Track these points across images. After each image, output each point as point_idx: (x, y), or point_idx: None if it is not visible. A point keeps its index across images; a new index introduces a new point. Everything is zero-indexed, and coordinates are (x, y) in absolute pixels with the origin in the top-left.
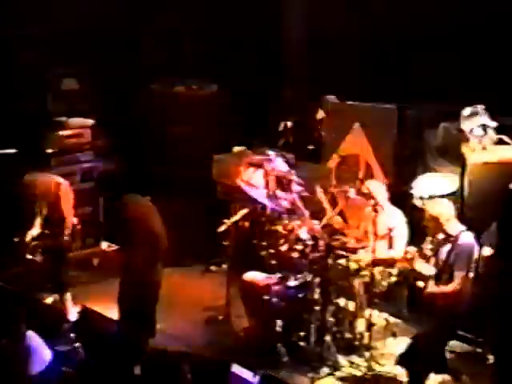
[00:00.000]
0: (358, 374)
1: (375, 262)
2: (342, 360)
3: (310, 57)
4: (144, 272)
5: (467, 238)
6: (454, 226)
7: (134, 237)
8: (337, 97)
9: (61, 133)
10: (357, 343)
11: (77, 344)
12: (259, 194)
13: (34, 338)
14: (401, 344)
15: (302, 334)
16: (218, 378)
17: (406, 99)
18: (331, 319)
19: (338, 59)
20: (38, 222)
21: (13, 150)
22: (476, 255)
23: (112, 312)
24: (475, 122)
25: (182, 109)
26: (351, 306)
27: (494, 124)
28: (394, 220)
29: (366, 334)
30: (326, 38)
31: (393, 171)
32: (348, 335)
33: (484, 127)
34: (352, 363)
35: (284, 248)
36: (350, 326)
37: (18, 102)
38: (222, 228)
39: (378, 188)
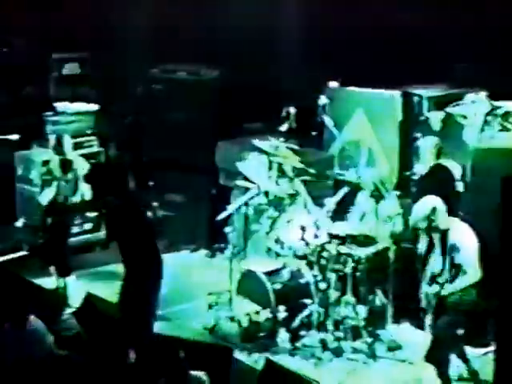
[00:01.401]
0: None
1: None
2: (345, 346)
3: (311, 42)
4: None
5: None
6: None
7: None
8: (340, 83)
9: (63, 118)
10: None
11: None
12: (261, 181)
13: (36, 323)
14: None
15: (304, 320)
16: (220, 364)
17: (409, 84)
18: (335, 307)
19: (340, 43)
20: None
21: (16, 136)
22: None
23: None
24: (478, 107)
25: (182, 94)
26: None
27: (498, 110)
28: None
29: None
30: (328, 24)
31: (396, 158)
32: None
33: (487, 113)
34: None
35: (286, 234)
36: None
37: (19, 88)
38: (224, 214)
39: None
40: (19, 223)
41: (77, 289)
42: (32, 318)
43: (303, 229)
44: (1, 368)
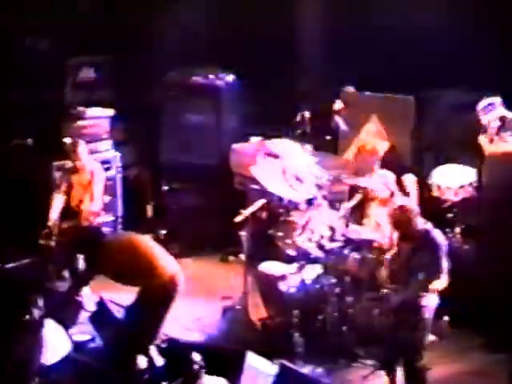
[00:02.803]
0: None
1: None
2: (360, 351)
3: (325, 44)
4: None
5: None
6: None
7: None
8: (354, 87)
9: (79, 123)
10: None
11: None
12: (275, 185)
13: (51, 328)
14: None
15: (318, 324)
16: (233, 367)
17: (423, 88)
18: (349, 310)
19: (354, 47)
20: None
21: (30, 140)
22: None
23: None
24: (493, 113)
25: (198, 98)
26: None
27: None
28: None
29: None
30: (342, 26)
31: (411, 162)
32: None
33: (502, 119)
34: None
35: (300, 238)
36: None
37: (35, 92)
38: (239, 218)
39: (391, 178)
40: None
41: (91, 293)
42: (46, 322)
43: (319, 232)
44: (19, 373)
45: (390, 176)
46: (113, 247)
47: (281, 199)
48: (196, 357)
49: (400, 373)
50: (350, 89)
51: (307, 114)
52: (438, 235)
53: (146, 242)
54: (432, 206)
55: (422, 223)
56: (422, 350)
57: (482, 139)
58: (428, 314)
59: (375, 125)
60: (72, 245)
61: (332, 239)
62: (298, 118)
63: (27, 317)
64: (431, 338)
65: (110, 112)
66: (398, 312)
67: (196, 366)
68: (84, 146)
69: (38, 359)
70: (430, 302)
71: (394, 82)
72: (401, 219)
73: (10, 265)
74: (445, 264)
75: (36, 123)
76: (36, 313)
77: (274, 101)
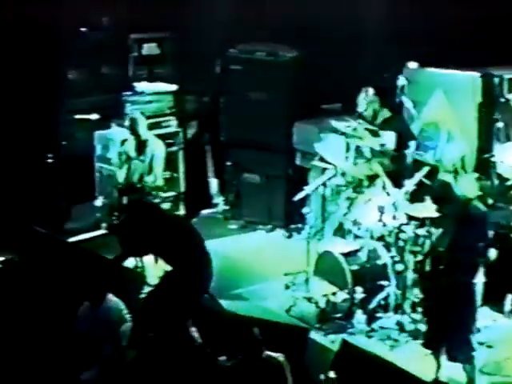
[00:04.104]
0: None
1: None
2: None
3: (389, 21)
4: None
5: None
6: None
7: None
8: (418, 63)
9: (142, 98)
10: None
11: None
12: (340, 161)
13: (114, 301)
14: None
15: (381, 302)
16: (296, 345)
17: (490, 65)
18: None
19: (419, 23)
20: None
21: (95, 116)
22: None
23: None
24: None
25: (261, 75)
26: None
27: None
28: None
29: None
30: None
31: (475, 139)
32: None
33: None
34: None
35: (363, 215)
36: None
37: (99, 67)
38: (301, 195)
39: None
40: (98, 202)
41: (154, 267)
42: (110, 296)
43: (381, 210)
44: (79, 346)
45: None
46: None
47: (344, 176)
48: (256, 333)
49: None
50: (414, 65)
51: (371, 91)
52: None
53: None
54: (495, 184)
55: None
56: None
57: None
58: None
59: (440, 101)
60: (132, 221)
61: (395, 216)
62: (362, 95)
63: (91, 290)
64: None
65: (173, 87)
66: (456, 288)
67: (256, 343)
68: (144, 120)
69: (103, 332)
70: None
71: (458, 57)
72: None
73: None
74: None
75: (100, 99)
76: (100, 286)
77: (338, 77)
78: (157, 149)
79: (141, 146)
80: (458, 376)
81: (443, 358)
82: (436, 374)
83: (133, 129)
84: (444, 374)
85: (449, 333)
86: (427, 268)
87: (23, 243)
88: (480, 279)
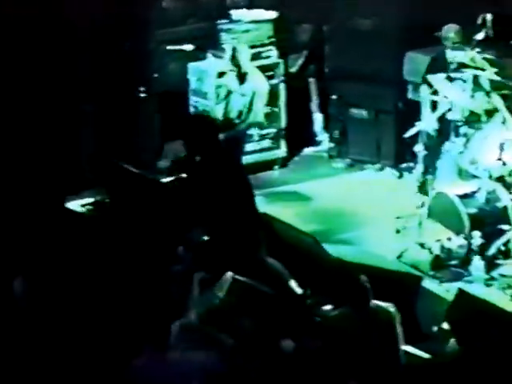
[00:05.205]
0: None
1: None
2: None
3: None
4: None
5: None
6: None
7: None
8: None
9: (241, 26)
10: None
11: None
12: (454, 95)
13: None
14: None
15: (501, 247)
16: (407, 293)
17: None
18: None
19: None
20: None
21: (190, 46)
22: None
23: None
24: None
25: (369, 0)
26: None
27: None
28: None
29: None
30: None
31: None
32: None
33: None
34: None
35: (481, 154)
36: None
37: None
38: (413, 131)
39: None
40: None
41: None
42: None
43: (501, 148)
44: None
45: None
46: None
47: (460, 110)
48: (364, 280)
49: None
50: None
51: (489, 17)
52: None
53: None
54: None
55: None
56: None
57: None
58: None
59: None
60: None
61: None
62: (480, 21)
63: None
64: None
65: (274, 15)
66: None
67: (363, 291)
68: (246, 51)
69: None
70: None
71: None
72: None
73: None
74: None
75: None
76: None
77: (453, 2)
78: (259, 83)
79: (241, 78)
80: None
81: None
82: None
83: (234, 60)
84: None
85: None
86: None
87: (115, 183)
88: None
